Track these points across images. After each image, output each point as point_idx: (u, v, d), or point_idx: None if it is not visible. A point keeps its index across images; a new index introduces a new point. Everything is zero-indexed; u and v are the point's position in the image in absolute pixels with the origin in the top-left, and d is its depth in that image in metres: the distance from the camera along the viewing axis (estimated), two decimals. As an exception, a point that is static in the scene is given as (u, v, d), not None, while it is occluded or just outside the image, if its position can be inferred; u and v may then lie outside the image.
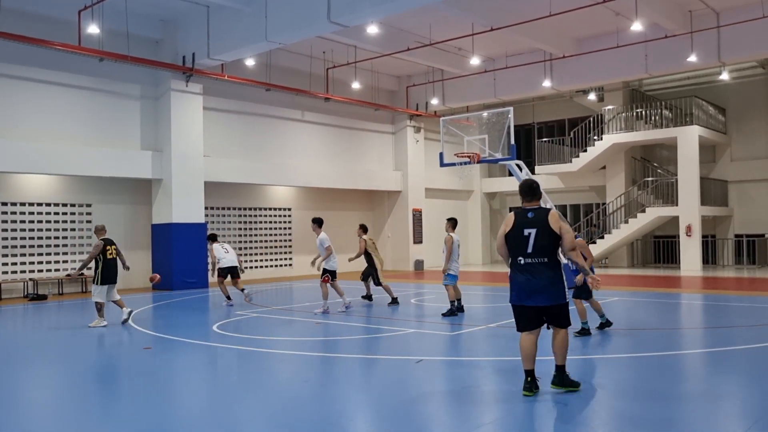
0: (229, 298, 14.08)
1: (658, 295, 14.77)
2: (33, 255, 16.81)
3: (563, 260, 6.35)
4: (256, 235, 22.06)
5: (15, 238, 16.49)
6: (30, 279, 16.54)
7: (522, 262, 6.04)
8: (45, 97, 16.44)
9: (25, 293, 16.43)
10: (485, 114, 17.19)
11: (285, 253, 22.97)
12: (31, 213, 16.87)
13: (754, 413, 5.62)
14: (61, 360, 8.79)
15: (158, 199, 18.37)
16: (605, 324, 9.71)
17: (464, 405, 6.12)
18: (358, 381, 7.07)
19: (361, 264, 14.35)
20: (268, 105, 21.27)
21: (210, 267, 14.56)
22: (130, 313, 11.46)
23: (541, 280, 5.97)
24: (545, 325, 6.24)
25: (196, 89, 18.45)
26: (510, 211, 29.76)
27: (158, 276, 12.70)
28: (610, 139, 23.34)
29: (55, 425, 5.75)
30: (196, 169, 18.45)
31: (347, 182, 23.54)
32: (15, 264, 16.50)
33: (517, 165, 16.16)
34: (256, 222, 22.07)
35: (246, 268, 21.58)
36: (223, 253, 14.06)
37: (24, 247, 16.66)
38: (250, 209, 21.92)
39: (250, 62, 18.99)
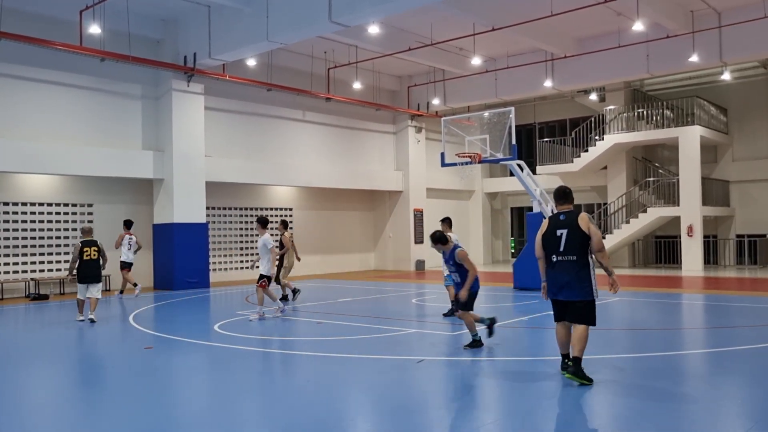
0: (135, 285, 15.59)
1: (660, 295, 14.76)
2: (34, 255, 16.82)
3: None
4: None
5: (17, 238, 16.50)
6: (31, 279, 16.55)
7: (554, 259, 6.65)
8: (46, 97, 16.45)
9: (27, 293, 16.44)
10: (486, 114, 17.20)
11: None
12: (33, 213, 16.89)
13: (754, 414, 5.62)
14: (61, 360, 8.80)
15: (159, 199, 18.38)
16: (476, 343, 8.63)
17: (465, 405, 6.12)
18: (359, 381, 7.07)
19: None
20: (269, 105, 21.27)
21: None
22: (92, 320, 11.64)
23: (569, 276, 6.52)
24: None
25: (197, 89, 18.45)
26: (511, 211, 29.82)
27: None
28: (612, 139, 23.33)
29: (54, 426, 5.75)
30: (197, 169, 18.46)
31: (348, 182, 23.54)
32: (16, 264, 16.51)
33: (518, 165, 16.19)
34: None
35: (248, 267, 21.65)
36: (127, 249, 15.65)
37: (25, 246, 16.67)
38: (251, 209, 21.92)
39: (251, 62, 19.00)
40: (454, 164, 16.36)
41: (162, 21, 18.15)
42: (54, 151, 16.12)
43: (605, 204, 24.98)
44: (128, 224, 16.06)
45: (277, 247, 12.98)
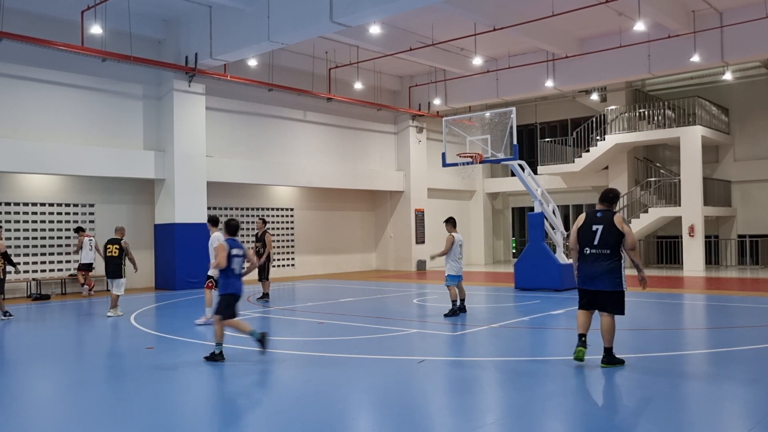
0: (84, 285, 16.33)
1: (661, 295, 14.75)
2: (36, 255, 16.84)
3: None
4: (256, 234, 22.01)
5: (18, 238, 16.52)
6: (33, 279, 16.57)
7: (588, 252, 7.21)
8: (48, 97, 16.47)
9: (29, 293, 16.46)
10: (488, 114, 17.19)
11: (287, 253, 22.98)
12: (34, 213, 16.91)
13: (756, 414, 5.61)
14: (62, 360, 8.81)
15: (161, 199, 18.39)
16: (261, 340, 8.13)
17: (466, 405, 6.12)
18: (361, 381, 7.07)
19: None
20: (270, 105, 21.28)
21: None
22: (108, 315, 12.34)
23: (601, 268, 7.09)
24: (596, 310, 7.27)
25: (198, 89, 18.47)
26: (512, 211, 29.80)
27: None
28: (613, 139, 23.31)
29: (57, 425, 5.76)
30: (198, 169, 18.47)
31: (350, 182, 23.54)
32: (18, 264, 16.49)
33: (520, 165, 16.18)
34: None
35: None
36: (87, 249, 16.25)
37: (27, 246, 16.69)
38: (252, 209, 21.93)
39: (252, 62, 19.01)
40: (456, 164, 16.36)
41: (163, 21, 18.17)
42: (55, 151, 16.13)
43: (606, 204, 24.90)
44: (81, 230, 16.76)
45: (252, 248, 12.76)
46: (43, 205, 17.05)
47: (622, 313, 7.18)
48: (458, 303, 11.78)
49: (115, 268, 12.46)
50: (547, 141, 26.09)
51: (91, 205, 17.90)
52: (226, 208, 21.06)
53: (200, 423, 5.65)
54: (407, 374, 7.30)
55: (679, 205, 22.13)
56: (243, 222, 21.60)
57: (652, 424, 5.30)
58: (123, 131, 17.83)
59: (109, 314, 12.34)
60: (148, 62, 17.09)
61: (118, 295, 12.46)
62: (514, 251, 29.55)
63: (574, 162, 24.64)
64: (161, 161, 18.11)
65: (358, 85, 22.10)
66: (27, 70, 16.05)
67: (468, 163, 16.01)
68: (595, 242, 7.15)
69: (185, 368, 8.09)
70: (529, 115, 27.28)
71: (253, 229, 21.83)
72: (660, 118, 23.55)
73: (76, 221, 17.53)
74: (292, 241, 23.11)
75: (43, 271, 16.90)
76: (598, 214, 7.26)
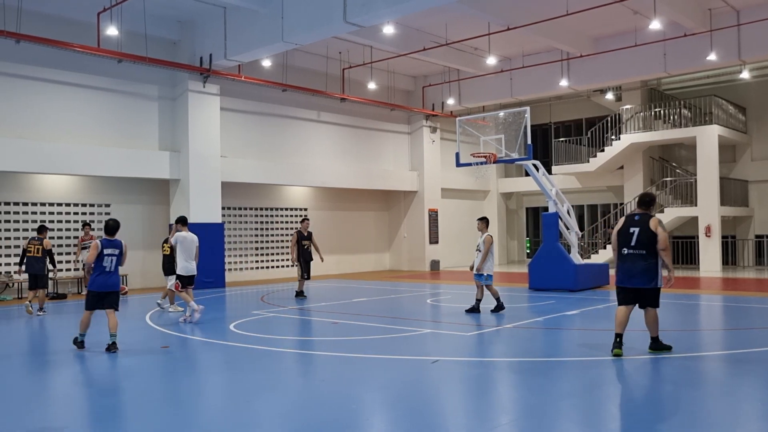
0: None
1: (677, 296, 14.62)
2: (53, 254, 16.96)
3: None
4: (272, 235, 22.14)
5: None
6: (50, 278, 16.70)
7: (625, 252, 7.85)
8: (64, 99, 16.62)
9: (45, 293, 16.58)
10: (502, 114, 17.14)
11: (301, 253, 23.00)
12: (51, 213, 17.07)
13: (774, 416, 5.55)
14: (78, 359, 8.88)
15: (176, 199, 18.51)
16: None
17: (480, 405, 6.11)
18: (374, 381, 7.07)
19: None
20: (284, 105, 21.34)
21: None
22: (160, 305, 13.28)
23: (638, 267, 7.72)
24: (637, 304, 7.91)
25: (213, 90, 18.56)
26: (526, 211, 29.70)
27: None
28: (628, 138, 23.15)
29: (72, 423, 5.81)
30: (213, 169, 18.57)
31: (363, 182, 23.56)
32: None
33: (534, 165, 16.11)
34: (272, 222, 22.16)
35: (263, 267, 21.75)
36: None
37: (44, 246, 16.82)
38: (266, 209, 22.01)
39: (266, 63, 19.08)
40: (469, 164, 16.32)
41: (178, 22, 18.28)
42: (72, 152, 16.28)
43: (622, 204, 24.78)
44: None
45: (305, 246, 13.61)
46: (59, 205, 17.22)
47: (658, 305, 7.86)
48: (478, 302, 12.01)
49: (169, 265, 13.09)
50: (562, 141, 25.96)
51: (107, 205, 18.05)
52: (240, 208, 21.15)
53: (215, 422, 5.68)
54: (421, 374, 7.29)
55: (696, 205, 21.93)
56: (259, 222, 21.67)
57: (668, 425, 5.26)
58: (138, 132, 17.97)
59: (170, 310, 13.05)
60: (163, 63, 17.20)
61: (172, 291, 12.90)
62: (528, 251, 29.43)
63: (588, 162, 24.49)
64: (176, 162, 18.23)
65: (371, 85, 22.11)
66: (44, 72, 16.22)
67: (482, 163, 15.97)
68: (632, 243, 7.78)
69: (200, 367, 8.13)
70: (544, 114, 27.16)
71: (268, 229, 21.92)
72: (676, 117, 23.35)
73: (92, 221, 17.67)
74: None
75: (60, 270, 17.04)
76: (636, 218, 7.91)
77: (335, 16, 14.63)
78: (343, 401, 6.22)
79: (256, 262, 21.64)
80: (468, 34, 19.14)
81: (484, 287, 12.00)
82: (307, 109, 22.08)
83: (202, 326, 11.21)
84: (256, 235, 21.72)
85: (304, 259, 15.24)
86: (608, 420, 5.63)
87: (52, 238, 16.98)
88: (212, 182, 18.54)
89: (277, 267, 22.25)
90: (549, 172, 21.83)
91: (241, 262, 21.20)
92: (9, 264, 16.29)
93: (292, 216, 22.79)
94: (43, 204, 16.90)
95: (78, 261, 16.53)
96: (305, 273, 15.21)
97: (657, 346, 7.96)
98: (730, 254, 23.73)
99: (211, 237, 18.34)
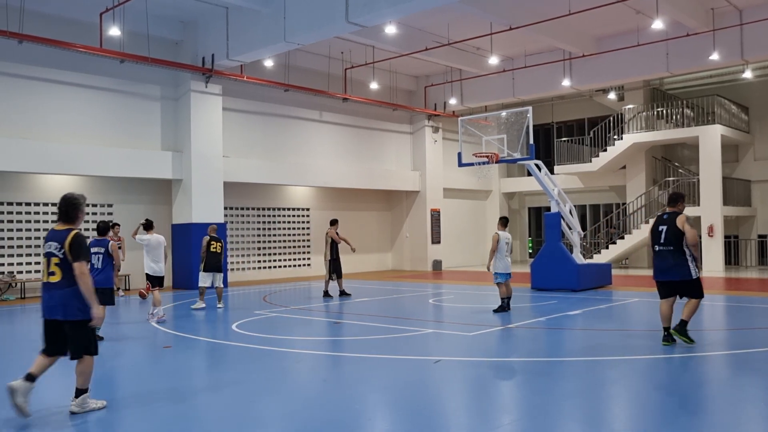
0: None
1: (680, 296, 14.59)
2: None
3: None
4: (274, 235, 22.16)
5: (38, 238, 16.72)
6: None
7: (656, 249, 8.47)
8: (67, 99, 16.65)
9: (48, 292, 16.62)
10: (504, 114, 17.13)
11: (303, 253, 23.05)
12: (54, 213, 17.10)
13: (777, 416, 5.54)
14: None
15: (178, 199, 18.53)
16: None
17: (482, 405, 6.10)
18: (376, 381, 7.07)
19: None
20: (286, 105, 21.36)
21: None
22: (220, 307, 13.56)
23: (668, 262, 8.33)
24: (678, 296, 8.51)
25: (215, 90, 18.58)
26: (528, 211, 29.68)
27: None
28: (631, 138, 23.12)
29: (72, 423, 5.81)
30: (215, 169, 18.59)
31: (365, 182, 23.56)
32: (38, 263, 16.73)
33: (536, 165, 16.10)
34: (274, 222, 22.17)
35: (265, 267, 21.77)
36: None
37: (47, 246, 16.86)
38: (268, 209, 22.03)
39: (268, 63, 19.09)
40: (472, 164, 16.31)
41: (180, 22, 18.30)
42: (74, 152, 16.31)
43: (624, 204, 24.76)
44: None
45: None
46: (62, 205, 17.22)
47: (700, 296, 8.39)
48: (506, 300, 12.08)
49: (221, 263, 13.60)
50: (564, 140, 25.93)
51: (110, 205, 18.08)
52: (242, 208, 21.17)
53: (217, 422, 5.68)
54: (423, 374, 7.29)
55: (698, 205, 21.89)
56: (261, 223, 21.68)
57: (672, 425, 5.25)
58: (141, 132, 17.99)
59: (219, 306, 13.58)
60: (165, 63, 17.22)
61: (222, 288, 13.77)
62: (530, 251, 29.41)
63: (591, 161, 24.46)
64: (178, 162, 18.25)
65: (373, 85, 22.12)
66: (46, 72, 16.25)
67: (484, 163, 15.95)
68: (661, 240, 8.38)
69: (202, 367, 8.14)
70: (546, 114, 27.13)
71: (271, 229, 21.93)
72: (678, 117, 23.32)
73: (95, 221, 17.69)
74: (308, 241, 23.17)
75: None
76: (665, 216, 8.49)
77: (337, 16, 14.63)
78: (345, 401, 6.22)
79: (259, 262, 21.66)
80: (470, 34, 19.13)
81: (503, 284, 12.13)
82: (309, 109, 22.09)
83: (205, 326, 11.22)
84: (259, 235, 21.73)
85: (333, 258, 15.51)
86: (611, 420, 5.63)
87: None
88: (214, 182, 18.56)
89: (280, 267, 22.27)
90: (551, 171, 21.82)
91: (243, 262, 21.21)
92: (12, 264, 16.32)
93: (294, 216, 22.80)
94: (45, 204, 16.93)
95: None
96: (335, 272, 15.51)
97: (682, 330, 8.31)
98: (732, 254, 23.68)
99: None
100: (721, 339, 9.54)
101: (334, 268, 15.47)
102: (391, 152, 25.05)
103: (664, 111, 23.62)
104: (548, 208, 17.18)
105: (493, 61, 20.31)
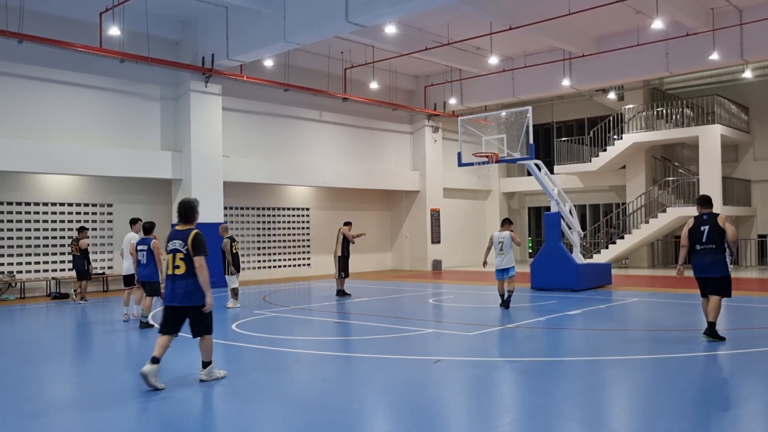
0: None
1: (679, 296, 14.61)
2: (55, 254, 17.03)
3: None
4: (274, 234, 22.16)
5: (38, 238, 16.72)
6: (52, 278, 16.75)
7: (698, 248, 8.86)
8: (67, 99, 16.65)
9: (48, 292, 16.65)
10: (504, 113, 17.13)
11: (303, 252, 23.05)
12: (54, 213, 17.10)
13: (777, 416, 5.54)
14: (79, 358, 8.90)
15: (178, 198, 18.50)
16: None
17: (483, 405, 6.11)
18: (377, 381, 7.07)
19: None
20: (286, 105, 21.36)
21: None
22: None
23: (709, 260, 8.74)
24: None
25: (215, 90, 18.58)
26: (528, 210, 29.67)
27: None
28: (630, 138, 23.11)
29: (74, 423, 5.82)
30: (215, 169, 18.59)
31: (365, 182, 23.56)
32: (38, 263, 16.73)
33: (536, 165, 16.10)
34: (274, 222, 22.18)
35: (265, 267, 21.77)
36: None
37: (47, 246, 16.89)
38: (268, 209, 22.03)
39: (268, 63, 19.09)
40: (471, 164, 16.31)
41: (180, 22, 18.30)
42: (74, 152, 16.31)
43: (624, 204, 24.76)
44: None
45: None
46: (62, 205, 17.25)
47: (729, 295, 8.85)
48: (501, 297, 12.54)
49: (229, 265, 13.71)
50: (564, 140, 25.93)
51: (110, 205, 18.08)
52: (242, 208, 21.17)
53: (216, 421, 5.68)
54: (423, 374, 7.29)
55: (698, 205, 21.86)
56: (261, 222, 21.68)
57: (672, 424, 5.25)
58: (141, 132, 17.99)
59: (228, 305, 13.61)
60: (165, 63, 17.22)
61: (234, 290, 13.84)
62: (530, 251, 29.42)
63: (591, 161, 24.45)
64: (178, 161, 18.25)
65: (373, 85, 22.11)
66: (46, 72, 16.24)
67: (484, 163, 15.95)
68: (703, 240, 8.81)
69: (198, 366, 8.14)
70: (546, 114, 27.13)
71: (271, 229, 21.93)
72: (678, 116, 23.31)
73: (94, 221, 17.71)
74: (308, 240, 23.17)
75: (63, 270, 17.07)
76: (704, 217, 8.97)
77: (337, 15, 14.63)
78: (345, 401, 6.22)
79: (259, 261, 21.66)
80: (470, 34, 19.13)
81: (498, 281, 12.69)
82: (309, 109, 22.09)
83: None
84: (259, 235, 21.73)
85: (343, 255, 15.53)
86: (611, 420, 5.63)
87: (55, 238, 17.04)
88: (214, 182, 18.56)
89: (279, 267, 22.27)
90: (551, 171, 21.81)
91: (243, 262, 21.16)
92: (12, 264, 16.32)
93: (294, 216, 22.81)
94: (45, 204, 16.93)
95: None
96: (342, 271, 15.51)
97: (711, 332, 8.68)
98: (732, 254, 23.64)
99: (213, 237, 18.33)
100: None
101: (343, 266, 15.45)
102: (391, 152, 25.05)
103: (664, 111, 23.62)
104: (548, 208, 17.18)
105: (493, 61, 20.31)
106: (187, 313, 6.80)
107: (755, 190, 24.08)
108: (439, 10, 16.96)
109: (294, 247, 22.76)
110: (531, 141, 15.45)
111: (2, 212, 16.25)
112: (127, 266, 11.91)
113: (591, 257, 23.07)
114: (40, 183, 16.90)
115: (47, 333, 11.24)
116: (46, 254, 16.86)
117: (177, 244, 6.85)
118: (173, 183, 18.59)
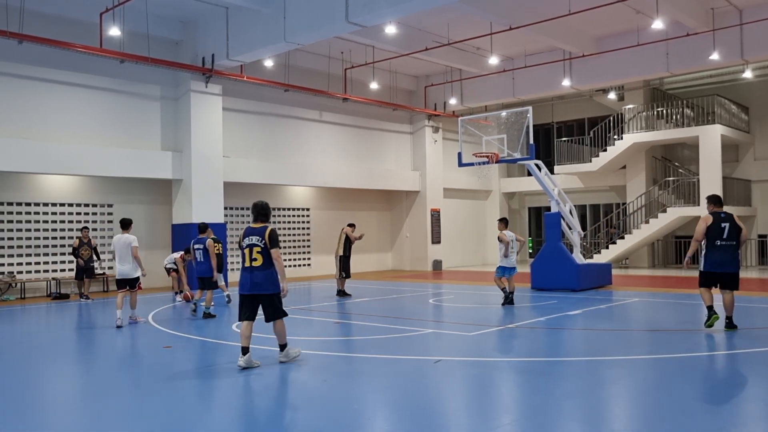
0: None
1: (680, 296, 14.61)
2: (56, 254, 17.03)
3: None
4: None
5: (38, 238, 16.73)
6: (53, 278, 16.76)
7: (719, 243, 9.30)
8: (67, 99, 16.65)
9: (48, 292, 16.65)
10: (504, 114, 17.13)
11: (303, 253, 23.06)
12: (54, 213, 17.11)
13: (777, 416, 5.53)
14: (81, 359, 8.90)
15: (178, 199, 18.53)
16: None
17: (482, 405, 6.10)
18: (376, 381, 7.07)
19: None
20: (286, 105, 21.36)
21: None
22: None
23: (730, 256, 9.30)
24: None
25: (215, 90, 18.58)
26: (528, 210, 29.67)
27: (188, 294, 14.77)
28: (631, 138, 23.11)
29: (74, 424, 5.82)
30: (215, 169, 18.59)
31: (365, 182, 23.56)
32: (38, 263, 16.74)
33: (536, 165, 16.10)
34: (274, 222, 22.16)
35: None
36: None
37: (47, 246, 16.89)
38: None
39: (268, 63, 19.09)
40: (472, 164, 16.31)
41: (180, 22, 18.30)
42: (74, 152, 16.31)
43: (624, 204, 24.76)
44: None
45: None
46: (62, 205, 17.25)
47: (737, 288, 9.41)
48: (504, 292, 12.91)
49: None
50: (564, 140, 25.93)
51: (110, 206, 18.08)
52: (242, 208, 21.17)
53: (216, 423, 5.68)
54: (423, 374, 7.29)
55: (698, 205, 21.86)
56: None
57: (672, 424, 5.25)
58: (141, 132, 17.99)
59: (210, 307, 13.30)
60: (165, 63, 17.22)
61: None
62: (530, 251, 29.40)
63: (591, 161, 24.45)
64: (178, 162, 18.25)
65: (373, 85, 22.11)
66: (46, 72, 16.24)
67: (484, 163, 15.95)
68: (724, 236, 9.28)
69: (202, 367, 8.14)
70: (546, 114, 27.12)
71: (280, 228, 21.92)
72: (678, 116, 23.31)
73: (95, 221, 17.71)
74: (308, 241, 23.17)
75: (63, 270, 17.08)
76: (722, 215, 9.38)
77: (337, 16, 14.64)
78: (344, 401, 6.22)
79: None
80: (470, 34, 19.13)
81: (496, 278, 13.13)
82: (309, 109, 22.09)
83: (205, 326, 11.22)
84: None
85: (345, 255, 15.53)
86: (611, 420, 5.63)
87: (55, 238, 17.04)
88: (215, 182, 18.56)
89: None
90: (551, 171, 21.81)
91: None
92: (12, 264, 16.33)
93: (294, 216, 22.80)
94: (45, 204, 16.94)
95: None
96: (344, 271, 15.53)
97: (730, 324, 9.38)
98: (732, 254, 23.63)
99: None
100: (722, 339, 9.53)
101: (345, 266, 15.43)
102: (391, 152, 25.05)
103: (664, 111, 23.61)
104: (548, 208, 17.18)
105: (493, 61, 20.31)
106: (262, 300, 7.57)
107: (755, 190, 24.07)
108: (439, 10, 16.96)
109: (294, 247, 22.76)
110: (531, 141, 15.44)
111: (2, 212, 16.26)
112: (120, 269, 11.24)
113: (591, 257, 23.07)
114: (41, 183, 16.90)
115: (48, 333, 11.23)
116: (47, 254, 16.86)
117: (254, 239, 7.53)
118: (173, 183, 18.59)
